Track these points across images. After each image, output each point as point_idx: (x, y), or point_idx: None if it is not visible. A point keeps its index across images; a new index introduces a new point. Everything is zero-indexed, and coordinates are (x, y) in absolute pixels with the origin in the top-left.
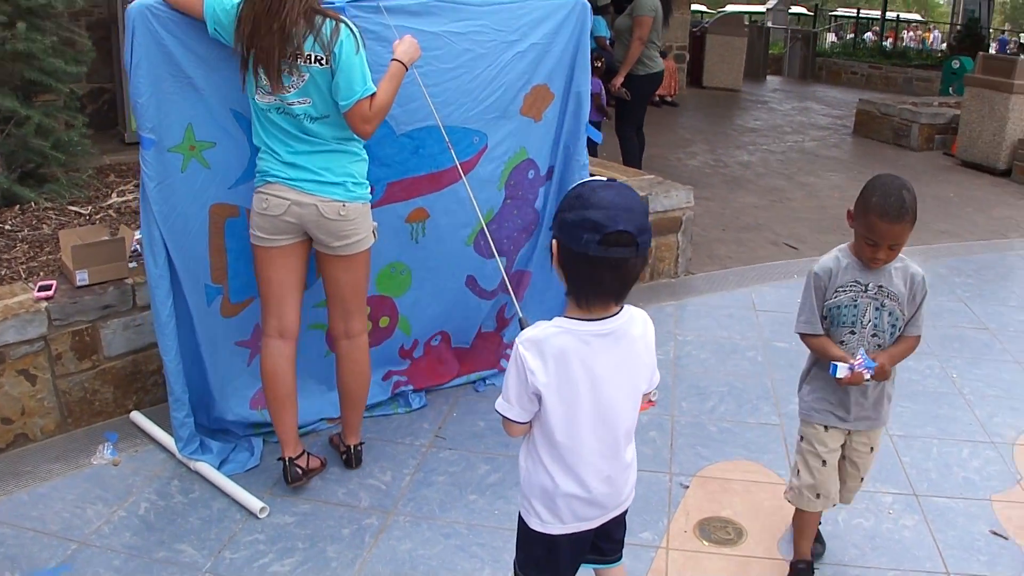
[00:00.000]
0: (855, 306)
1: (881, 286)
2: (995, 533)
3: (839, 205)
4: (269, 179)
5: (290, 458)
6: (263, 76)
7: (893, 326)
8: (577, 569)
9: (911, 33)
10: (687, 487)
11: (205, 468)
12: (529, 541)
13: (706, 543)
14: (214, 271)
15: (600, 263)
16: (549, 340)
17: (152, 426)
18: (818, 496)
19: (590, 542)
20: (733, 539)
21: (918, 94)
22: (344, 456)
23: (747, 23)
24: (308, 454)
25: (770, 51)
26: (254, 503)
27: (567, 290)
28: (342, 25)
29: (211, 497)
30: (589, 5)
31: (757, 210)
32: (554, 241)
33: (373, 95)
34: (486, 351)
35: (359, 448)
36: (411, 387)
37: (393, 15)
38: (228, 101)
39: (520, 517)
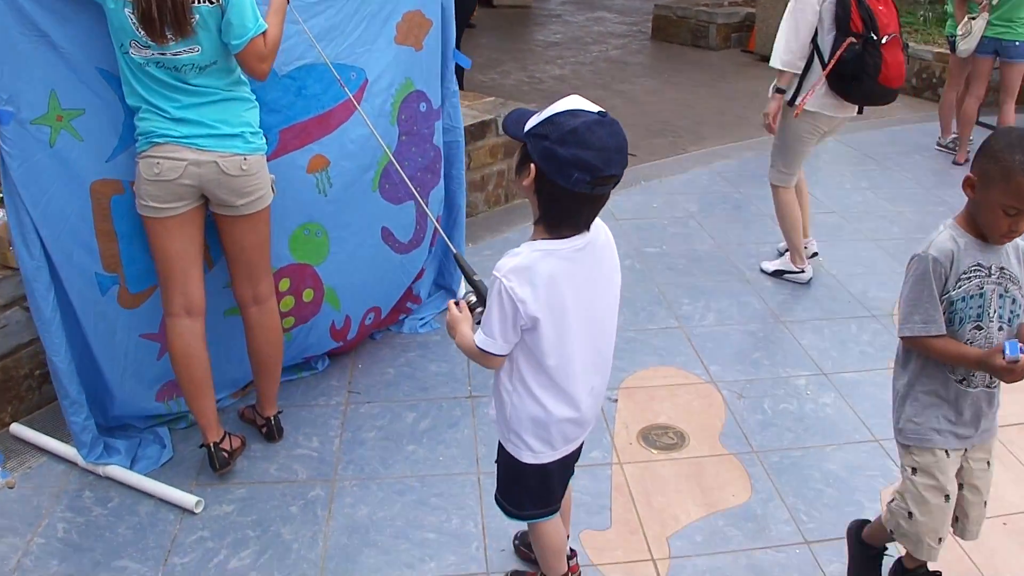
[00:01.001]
0: (981, 295)
1: (1003, 268)
2: None
3: (659, 110)
4: (157, 140)
5: (214, 443)
6: (140, 27)
7: (1015, 315)
8: (565, 489)
9: None
10: (615, 401)
11: (117, 471)
12: (521, 475)
13: (654, 451)
14: (105, 258)
15: (583, 199)
16: (535, 266)
17: (39, 436)
18: (940, 541)
19: (575, 461)
20: (677, 443)
21: None
22: (264, 429)
23: None
24: (229, 435)
25: None
26: (187, 498)
27: (538, 217)
28: None
29: (134, 501)
30: None
31: None
32: (533, 166)
33: (265, 31)
34: (397, 305)
35: (278, 418)
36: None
37: None
38: (93, 59)
39: (506, 454)
